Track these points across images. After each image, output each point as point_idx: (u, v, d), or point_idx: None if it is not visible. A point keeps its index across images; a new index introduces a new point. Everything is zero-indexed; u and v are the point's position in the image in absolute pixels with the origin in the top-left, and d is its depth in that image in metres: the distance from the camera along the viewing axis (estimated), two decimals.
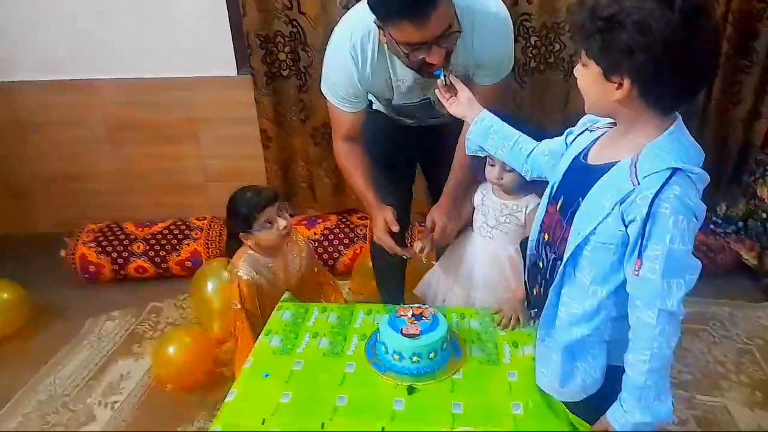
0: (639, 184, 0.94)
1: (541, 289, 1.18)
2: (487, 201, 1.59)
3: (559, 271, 1.07)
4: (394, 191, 1.84)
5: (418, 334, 1.32)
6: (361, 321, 1.54)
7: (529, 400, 1.23)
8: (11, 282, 2.37)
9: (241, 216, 1.66)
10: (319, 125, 2.61)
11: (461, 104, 1.36)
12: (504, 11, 1.46)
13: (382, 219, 1.57)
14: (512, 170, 1.45)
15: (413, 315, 1.38)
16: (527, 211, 1.52)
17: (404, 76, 1.51)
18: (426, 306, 1.43)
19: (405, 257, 1.61)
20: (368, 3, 1.31)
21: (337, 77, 1.52)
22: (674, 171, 0.92)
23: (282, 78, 2.55)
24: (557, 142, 1.27)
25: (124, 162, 2.82)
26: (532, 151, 1.31)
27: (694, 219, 0.94)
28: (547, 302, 1.13)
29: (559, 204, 1.11)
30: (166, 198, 2.87)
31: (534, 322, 1.37)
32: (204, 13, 2.48)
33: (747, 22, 2.35)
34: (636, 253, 0.96)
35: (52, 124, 2.74)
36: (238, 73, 2.61)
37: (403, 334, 1.33)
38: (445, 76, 1.34)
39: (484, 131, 1.33)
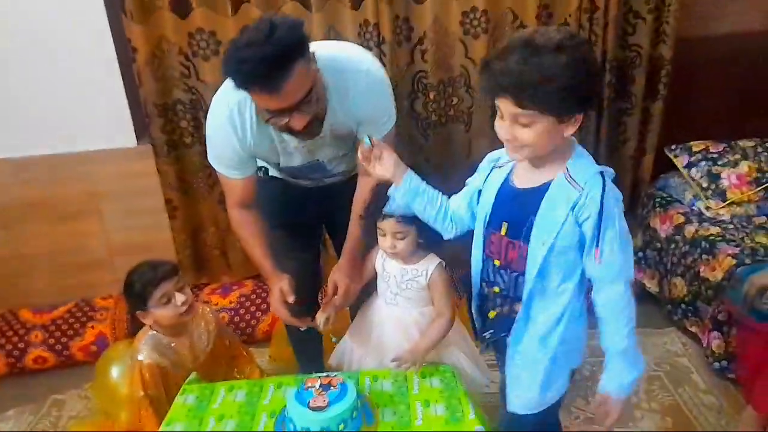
0: (583, 189, 1.13)
1: (503, 309, 1.31)
2: (387, 267, 1.59)
3: (526, 288, 1.21)
4: (300, 255, 1.82)
5: (326, 406, 1.28)
6: (270, 396, 1.48)
7: None
8: None
9: (135, 293, 1.59)
10: None
11: (386, 166, 1.35)
12: (377, 69, 1.51)
13: (278, 289, 1.55)
14: (404, 238, 1.47)
15: (321, 386, 1.34)
16: (429, 274, 1.53)
17: (288, 138, 1.51)
18: (335, 374, 1.39)
19: (301, 329, 1.58)
20: (223, 70, 1.30)
21: (220, 146, 1.51)
22: (601, 173, 1.15)
23: (185, 146, 2.50)
24: (465, 193, 1.39)
25: (19, 244, 2.62)
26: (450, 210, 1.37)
27: (621, 203, 1.17)
28: (516, 318, 1.25)
29: (504, 229, 1.24)
30: (67, 279, 2.68)
31: (487, 346, 1.42)
32: (98, 83, 2.40)
33: (623, 70, 2.55)
34: (595, 243, 1.13)
35: None
36: (138, 143, 2.53)
37: (310, 408, 1.27)
38: (370, 140, 1.32)
39: (413, 191, 1.34)
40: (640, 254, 2.53)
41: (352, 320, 1.79)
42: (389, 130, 1.58)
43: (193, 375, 1.61)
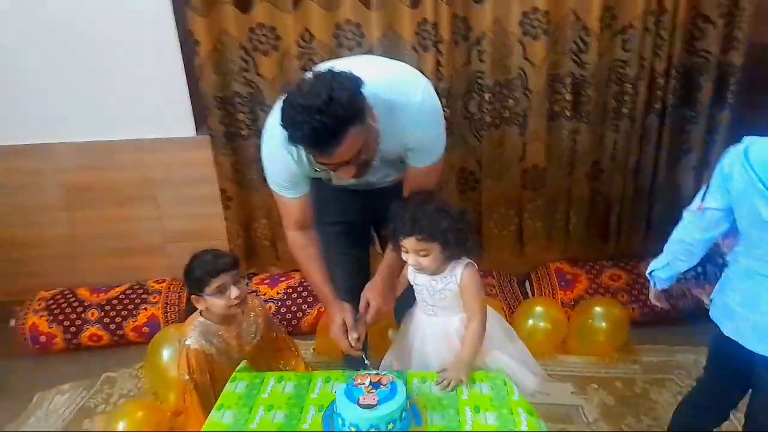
0: None
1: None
2: (418, 280, 1.57)
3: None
4: (350, 251, 1.83)
5: (375, 404, 1.27)
6: (319, 390, 1.48)
7: None
8: None
9: (194, 278, 1.63)
10: None
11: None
12: (430, 98, 1.46)
13: (341, 319, 1.55)
14: (427, 255, 1.45)
15: (371, 383, 1.34)
16: (458, 278, 1.50)
17: None
18: (384, 372, 1.39)
19: (353, 355, 1.57)
20: (281, 123, 1.30)
21: (275, 167, 1.52)
22: None
23: (241, 138, 2.54)
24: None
25: (79, 226, 2.74)
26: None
27: None
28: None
29: None
30: (123, 261, 2.78)
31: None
32: (160, 74, 2.48)
33: (689, 76, 2.45)
34: None
35: (3, 188, 2.66)
36: (197, 134, 2.59)
37: (359, 405, 1.28)
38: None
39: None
40: (700, 269, 2.41)
41: (396, 316, 1.79)
42: (438, 158, 1.55)
43: (243, 363, 1.63)
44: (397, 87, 1.42)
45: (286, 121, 1.27)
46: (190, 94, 2.53)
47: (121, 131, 2.58)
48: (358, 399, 1.29)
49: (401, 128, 1.43)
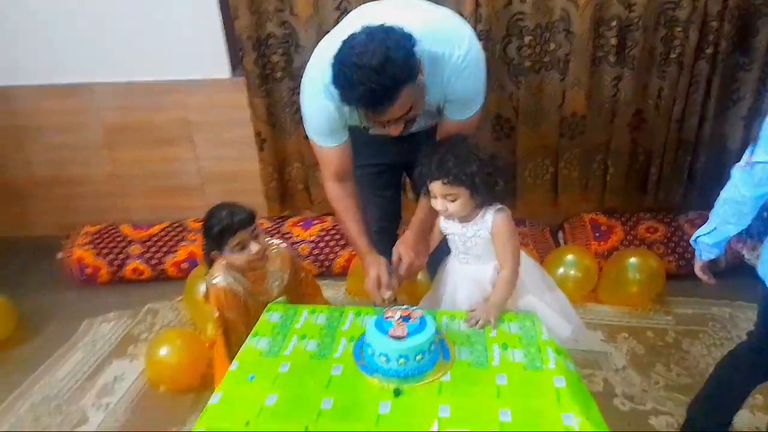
0: None
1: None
2: (450, 229, 1.55)
3: None
4: (383, 192, 1.84)
5: (405, 336, 1.30)
6: (350, 323, 1.52)
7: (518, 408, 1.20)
8: None
9: (213, 236, 1.61)
10: None
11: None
12: (474, 50, 1.41)
13: (376, 273, 1.55)
14: (455, 200, 1.43)
15: (401, 317, 1.36)
16: (490, 224, 1.48)
17: None
18: (414, 308, 1.41)
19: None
20: (332, 77, 1.28)
21: (316, 116, 1.50)
22: None
23: (275, 80, 2.54)
24: None
25: (120, 165, 2.82)
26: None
27: None
28: None
29: None
30: (163, 200, 2.87)
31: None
32: (197, 16, 2.48)
33: (745, 19, 2.31)
34: None
35: (48, 128, 2.75)
36: (231, 76, 2.60)
37: (389, 336, 1.31)
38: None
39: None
40: None
41: (429, 271, 1.80)
42: (476, 111, 1.52)
43: (282, 298, 1.68)
44: (442, 38, 1.38)
45: (340, 81, 1.26)
46: (225, 35, 2.53)
47: (159, 72, 2.62)
48: (388, 331, 1.32)
49: (444, 80, 1.41)
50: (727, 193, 1.36)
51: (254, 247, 1.61)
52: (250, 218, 1.63)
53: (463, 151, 1.41)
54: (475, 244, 1.52)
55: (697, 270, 1.51)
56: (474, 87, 1.47)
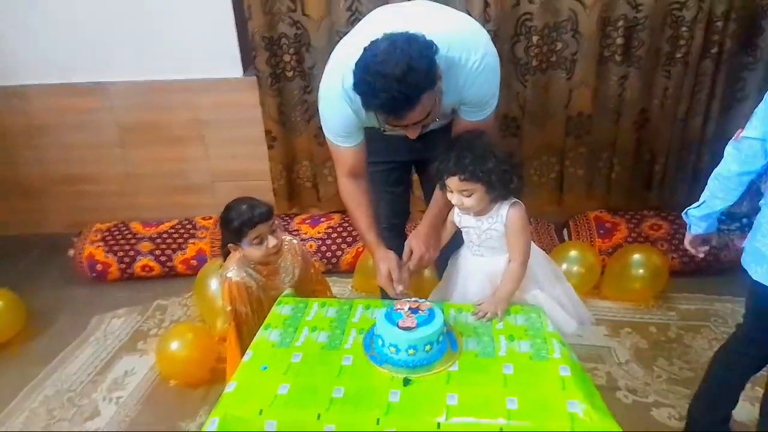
0: None
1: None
2: (464, 222, 1.58)
3: None
4: (393, 189, 1.87)
5: (414, 327, 1.33)
6: (359, 315, 1.55)
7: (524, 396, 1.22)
8: (5, 291, 2.35)
9: (232, 228, 1.63)
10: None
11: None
12: (490, 56, 1.44)
13: (386, 268, 1.58)
14: (471, 195, 1.46)
15: (410, 309, 1.39)
16: (504, 218, 1.50)
17: None
18: (422, 300, 1.44)
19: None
20: (353, 82, 1.30)
21: (333, 118, 1.53)
22: None
23: (286, 79, 2.58)
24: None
25: (132, 164, 2.87)
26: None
27: None
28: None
29: None
30: (173, 198, 2.91)
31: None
32: (210, 15, 2.52)
33: (750, 19, 2.34)
34: None
35: (61, 126, 2.79)
36: (243, 75, 2.64)
37: (399, 327, 1.34)
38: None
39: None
40: (745, 221, 2.36)
41: (437, 269, 1.82)
42: (490, 113, 1.55)
43: (288, 290, 1.72)
44: (458, 43, 1.40)
45: (362, 87, 1.28)
46: (238, 35, 2.57)
47: (172, 72, 2.66)
48: (398, 322, 1.35)
49: (459, 85, 1.43)
50: (718, 168, 1.41)
51: (272, 241, 1.64)
52: (269, 212, 1.66)
53: (479, 147, 1.44)
54: (489, 236, 1.54)
55: (687, 243, 1.57)
56: (489, 90, 1.50)
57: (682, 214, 1.53)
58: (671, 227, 2.53)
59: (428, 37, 1.29)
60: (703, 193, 1.46)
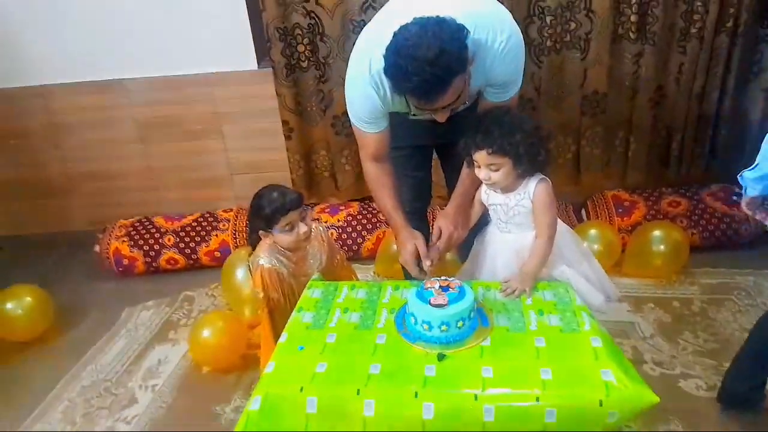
0: None
1: None
2: (492, 199, 1.60)
3: None
4: (415, 173, 1.90)
5: (446, 304, 1.36)
6: (389, 296, 1.58)
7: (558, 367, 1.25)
8: (33, 287, 2.39)
9: (263, 216, 1.66)
10: (339, 114, 2.67)
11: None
12: (515, 36, 1.45)
13: (413, 245, 1.60)
14: (498, 169, 1.47)
15: (440, 287, 1.42)
16: (531, 194, 1.52)
17: None
18: (452, 278, 1.47)
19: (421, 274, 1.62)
20: (385, 66, 1.32)
21: (359, 103, 1.55)
22: None
23: (301, 69, 2.60)
24: None
25: (153, 159, 2.91)
26: None
27: None
28: None
29: None
30: (194, 192, 2.95)
31: None
32: (223, 8, 2.55)
33: None
34: None
35: (83, 124, 2.84)
36: (258, 67, 2.67)
37: (431, 305, 1.37)
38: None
39: None
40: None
41: (459, 252, 1.84)
42: (515, 93, 1.57)
43: (317, 274, 1.75)
44: (484, 24, 1.41)
45: (393, 71, 1.30)
46: (251, 26, 2.60)
47: (188, 66, 2.69)
48: (429, 300, 1.38)
49: (486, 66, 1.45)
50: None
51: (303, 227, 1.67)
52: (300, 199, 1.69)
53: (507, 122, 1.45)
54: (517, 213, 1.56)
55: (743, 206, 1.58)
56: (515, 71, 1.51)
57: (738, 176, 1.53)
58: (690, 203, 2.54)
59: (456, 20, 1.30)
60: (757, 155, 1.46)
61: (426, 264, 1.59)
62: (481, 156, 1.48)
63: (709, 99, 2.51)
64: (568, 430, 1.20)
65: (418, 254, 1.62)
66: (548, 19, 2.40)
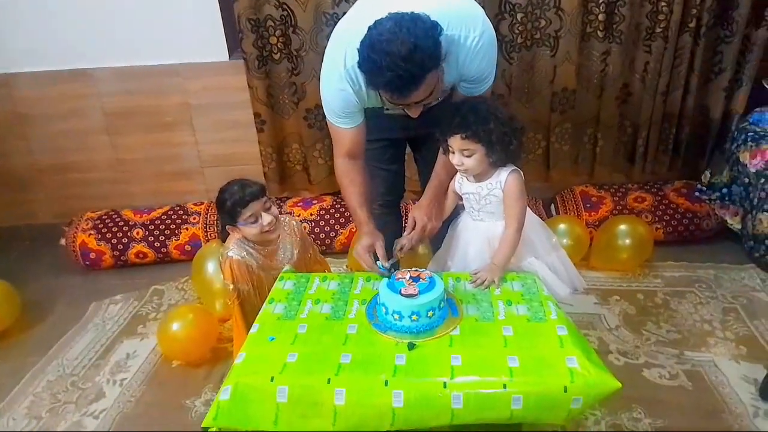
0: None
1: None
2: (465, 188, 1.63)
3: None
4: (389, 166, 1.91)
5: (416, 294, 1.38)
6: (361, 287, 1.60)
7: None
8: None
9: (227, 209, 1.67)
10: (312, 107, 2.66)
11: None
12: (488, 32, 1.48)
13: (370, 242, 1.61)
14: (471, 155, 1.51)
15: (411, 278, 1.44)
16: (503, 183, 1.55)
17: None
18: (422, 269, 1.49)
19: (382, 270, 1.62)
20: (359, 60, 1.33)
21: (334, 98, 1.55)
22: None
23: (273, 61, 2.58)
24: None
25: (121, 151, 2.85)
26: None
27: None
28: None
29: None
30: (163, 185, 2.91)
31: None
32: None
33: None
34: None
35: (49, 114, 2.76)
36: (229, 58, 2.64)
37: (401, 295, 1.39)
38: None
39: None
40: (725, 190, 2.46)
41: (431, 243, 1.86)
42: (488, 88, 1.59)
43: (288, 266, 1.75)
44: (457, 21, 1.43)
45: (368, 66, 1.31)
46: (222, 17, 2.57)
47: (158, 56, 2.64)
48: (400, 290, 1.40)
49: (459, 62, 1.47)
50: None
51: (266, 218, 1.68)
52: (260, 191, 1.69)
53: (483, 109, 1.49)
54: (489, 202, 1.60)
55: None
56: (487, 67, 1.54)
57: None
58: (654, 199, 2.61)
59: (428, 15, 1.32)
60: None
61: (386, 264, 1.60)
62: (455, 141, 1.51)
63: (672, 97, 2.58)
64: (534, 415, 1.24)
65: (374, 250, 1.63)
66: (519, 16, 2.44)
